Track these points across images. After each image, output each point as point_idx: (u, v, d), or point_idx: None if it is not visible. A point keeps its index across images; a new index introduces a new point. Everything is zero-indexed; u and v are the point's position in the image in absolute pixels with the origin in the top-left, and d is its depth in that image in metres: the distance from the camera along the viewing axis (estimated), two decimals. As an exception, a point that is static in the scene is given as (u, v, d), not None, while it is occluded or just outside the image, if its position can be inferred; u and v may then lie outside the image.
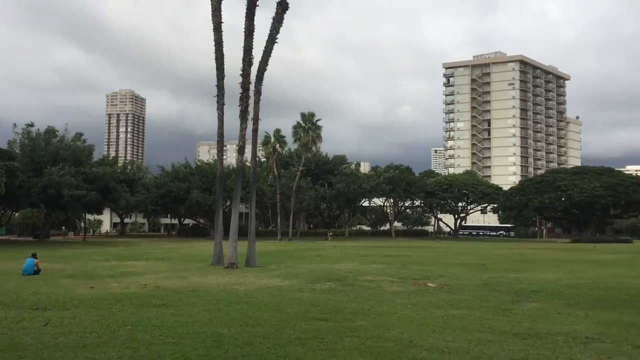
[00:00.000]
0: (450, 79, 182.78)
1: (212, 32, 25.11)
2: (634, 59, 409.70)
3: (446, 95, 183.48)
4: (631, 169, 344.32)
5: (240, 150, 24.70)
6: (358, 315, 11.85)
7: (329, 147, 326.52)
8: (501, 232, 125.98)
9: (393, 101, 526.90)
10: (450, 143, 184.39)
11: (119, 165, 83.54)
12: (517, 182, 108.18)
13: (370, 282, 18.73)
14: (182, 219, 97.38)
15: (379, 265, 25.83)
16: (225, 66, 25.64)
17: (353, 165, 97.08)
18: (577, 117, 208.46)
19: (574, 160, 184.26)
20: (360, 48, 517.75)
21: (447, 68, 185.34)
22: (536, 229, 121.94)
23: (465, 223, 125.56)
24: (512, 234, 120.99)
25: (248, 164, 38.44)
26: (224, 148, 33.34)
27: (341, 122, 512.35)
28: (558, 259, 31.07)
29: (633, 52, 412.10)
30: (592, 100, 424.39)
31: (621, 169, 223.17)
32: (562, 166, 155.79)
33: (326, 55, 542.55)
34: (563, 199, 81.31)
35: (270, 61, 25.11)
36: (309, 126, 75.95)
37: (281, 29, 24.82)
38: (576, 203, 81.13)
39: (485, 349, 8.47)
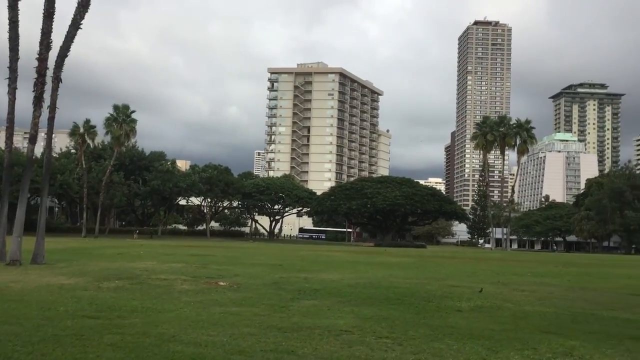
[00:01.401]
0: (275, 84, 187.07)
1: (7, 10, 23.12)
2: (439, 81, 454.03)
3: (270, 99, 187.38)
4: (432, 181, 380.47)
5: (32, 139, 23.02)
6: (134, 313, 11.78)
7: (149, 142, 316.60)
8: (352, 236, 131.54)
9: (220, 101, 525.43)
10: (271, 147, 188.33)
11: None
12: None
13: (162, 280, 18.59)
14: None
15: (178, 264, 25.68)
16: (25, 49, 23.72)
17: (169, 163, 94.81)
18: (388, 131, 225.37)
19: (383, 170, 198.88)
20: (189, 44, 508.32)
21: (272, 73, 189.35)
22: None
23: (305, 227, 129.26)
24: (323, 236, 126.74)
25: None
26: (25, 136, 30.74)
27: (165, 118, 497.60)
28: (350, 261, 33.45)
29: (439, 76, 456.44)
30: (402, 117, 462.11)
31: (423, 181, 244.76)
32: (372, 175, 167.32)
33: (153, 48, 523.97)
34: (369, 205, 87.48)
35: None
36: (122, 119, 72.84)
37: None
38: (380, 210, 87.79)
39: (243, 342, 8.99)
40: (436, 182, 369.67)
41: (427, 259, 39.95)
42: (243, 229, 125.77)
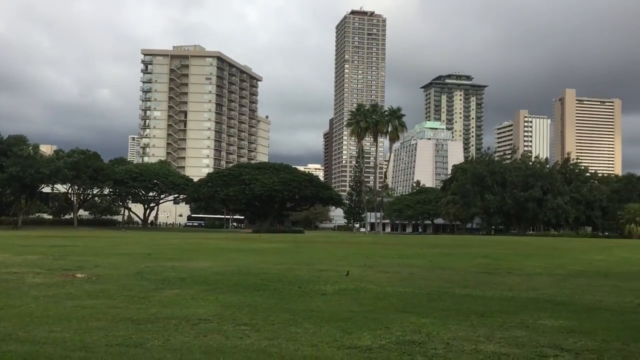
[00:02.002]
0: (149, 66, 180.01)
1: None
2: (319, 69, 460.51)
3: (144, 82, 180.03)
4: (312, 167, 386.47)
5: None
6: (-29, 311, 10.74)
7: (10, 125, 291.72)
8: (234, 223, 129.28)
9: (91, 83, 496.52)
10: (146, 131, 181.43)
11: None
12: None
13: (12, 274, 17.20)
14: None
15: (34, 256, 23.91)
16: None
17: (31, 148, 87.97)
18: (267, 117, 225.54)
19: (262, 157, 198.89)
20: (53, 22, 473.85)
21: (145, 55, 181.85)
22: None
23: (193, 214, 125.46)
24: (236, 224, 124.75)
25: None
26: None
27: (29, 99, 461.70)
28: (223, 248, 33.07)
29: (318, 63, 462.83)
30: (282, 103, 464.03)
31: (303, 167, 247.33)
32: (251, 161, 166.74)
33: (14, 24, 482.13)
34: (247, 192, 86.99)
35: None
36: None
37: None
38: (258, 196, 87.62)
39: (88, 337, 8.45)
40: (315, 169, 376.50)
41: (302, 244, 40.46)
42: (116, 217, 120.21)
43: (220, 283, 16.08)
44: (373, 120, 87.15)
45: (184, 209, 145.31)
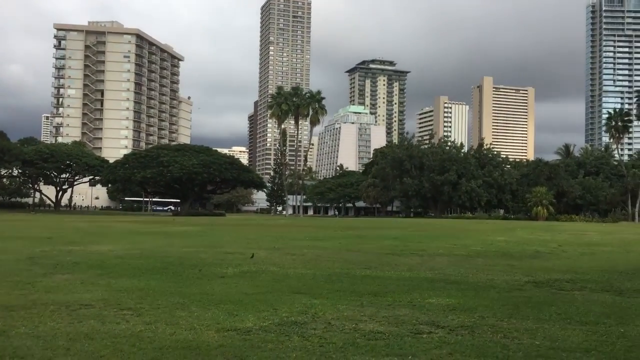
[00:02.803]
0: (62, 42, 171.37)
1: None
2: (244, 50, 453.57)
3: (57, 59, 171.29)
4: (237, 150, 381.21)
5: None
6: None
7: None
8: (170, 207, 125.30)
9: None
10: (60, 110, 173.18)
11: None
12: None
13: None
14: None
15: None
16: None
17: None
18: (189, 98, 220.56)
19: (184, 138, 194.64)
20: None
21: (59, 30, 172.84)
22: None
23: (150, 198, 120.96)
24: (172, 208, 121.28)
25: None
26: None
27: None
28: (132, 231, 32.15)
29: (243, 45, 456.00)
30: (207, 84, 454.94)
31: (227, 150, 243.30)
32: (173, 142, 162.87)
33: None
34: (166, 173, 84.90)
35: None
36: None
37: None
38: (177, 178, 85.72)
39: (-53, 326, 7.94)
40: (240, 151, 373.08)
41: (217, 227, 39.97)
42: (26, 200, 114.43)
43: (117, 267, 15.60)
44: (294, 103, 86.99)
45: (101, 191, 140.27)
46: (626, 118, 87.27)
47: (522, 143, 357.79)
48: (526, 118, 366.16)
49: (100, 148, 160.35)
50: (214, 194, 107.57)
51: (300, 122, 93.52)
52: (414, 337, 7.83)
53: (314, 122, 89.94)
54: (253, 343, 7.39)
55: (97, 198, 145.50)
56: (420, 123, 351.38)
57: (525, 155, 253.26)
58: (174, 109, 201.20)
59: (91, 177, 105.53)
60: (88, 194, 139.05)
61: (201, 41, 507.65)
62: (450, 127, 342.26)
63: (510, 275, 15.92)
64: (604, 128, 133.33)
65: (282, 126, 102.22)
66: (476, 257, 21.29)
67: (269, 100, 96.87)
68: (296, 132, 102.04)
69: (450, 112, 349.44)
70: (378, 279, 14.37)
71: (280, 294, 11.50)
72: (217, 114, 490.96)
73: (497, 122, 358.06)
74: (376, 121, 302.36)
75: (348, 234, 33.99)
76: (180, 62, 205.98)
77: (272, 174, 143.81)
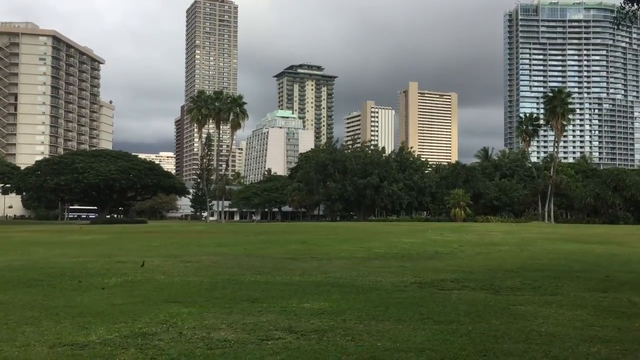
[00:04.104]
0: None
1: None
2: (170, 53, 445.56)
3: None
4: (164, 155, 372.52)
5: None
6: None
7: None
8: (89, 214, 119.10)
9: None
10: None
11: None
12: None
13: None
14: None
15: None
16: None
17: None
18: (111, 102, 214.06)
19: (106, 144, 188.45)
20: None
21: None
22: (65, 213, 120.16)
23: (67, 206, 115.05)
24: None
25: None
26: None
27: None
28: (27, 241, 30.68)
29: (169, 48, 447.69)
30: (132, 88, 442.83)
31: (154, 155, 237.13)
32: (94, 148, 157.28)
33: None
34: (81, 180, 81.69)
35: None
36: None
37: None
38: (93, 185, 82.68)
39: None
40: (167, 157, 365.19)
41: (126, 235, 38.72)
42: None
43: (-8, 280, 14.77)
44: (215, 107, 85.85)
45: (15, 199, 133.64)
46: (535, 123, 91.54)
47: (446, 147, 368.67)
48: (450, 122, 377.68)
49: (14, 154, 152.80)
50: (135, 201, 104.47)
51: (224, 127, 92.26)
52: (258, 345, 7.78)
53: (235, 127, 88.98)
54: (81, 358, 7.10)
55: (10, 207, 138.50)
56: (347, 127, 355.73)
57: (450, 159, 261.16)
58: (95, 114, 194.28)
59: (1, 184, 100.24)
60: (0, 202, 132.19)
61: (127, 44, 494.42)
62: (377, 131, 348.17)
63: (400, 277, 16.20)
64: (515, 132, 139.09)
65: (211, 131, 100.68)
66: (375, 259, 21.59)
67: (190, 105, 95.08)
68: (217, 136, 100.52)
69: (377, 117, 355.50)
70: (265, 285, 14.27)
71: (151, 304, 11.19)
72: (143, 118, 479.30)
73: (423, 127, 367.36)
74: (304, 125, 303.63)
75: (259, 239, 33.76)
76: (101, 65, 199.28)
77: (196, 179, 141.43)
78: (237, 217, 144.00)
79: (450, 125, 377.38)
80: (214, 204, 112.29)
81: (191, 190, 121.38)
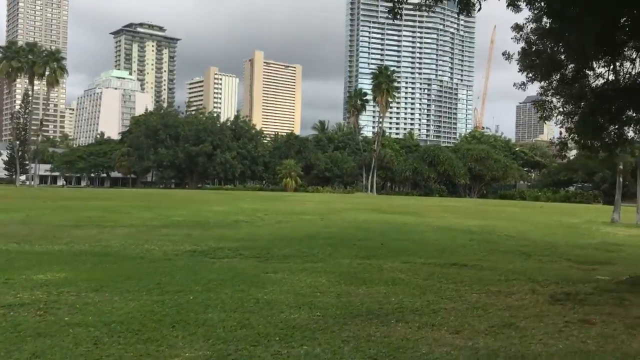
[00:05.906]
0: None
1: None
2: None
3: None
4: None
5: None
6: None
7: None
8: None
9: None
10: None
11: None
12: None
13: None
14: None
15: None
16: None
17: None
18: None
19: None
20: None
21: None
22: None
23: None
24: None
25: None
26: None
27: None
28: None
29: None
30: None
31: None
32: None
33: None
34: None
35: None
36: None
37: None
38: None
39: None
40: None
41: None
42: None
43: None
44: (28, 61, 77.74)
45: None
46: (364, 98, 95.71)
47: (290, 118, 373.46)
48: (294, 94, 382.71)
49: None
50: None
51: (40, 82, 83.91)
52: None
53: (52, 83, 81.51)
54: None
55: None
56: (190, 93, 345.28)
57: (293, 130, 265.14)
58: None
59: None
60: None
61: None
62: (220, 98, 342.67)
63: (177, 246, 15.68)
64: (345, 106, 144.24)
65: (34, 87, 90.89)
66: (165, 227, 20.82)
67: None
68: (31, 91, 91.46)
69: (221, 84, 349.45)
70: (15, 254, 13.05)
71: None
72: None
73: (267, 97, 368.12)
74: (144, 88, 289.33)
75: (52, 204, 31.22)
76: None
77: (10, 139, 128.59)
78: (61, 182, 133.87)
79: (294, 97, 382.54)
80: (31, 167, 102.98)
81: (4, 152, 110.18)
